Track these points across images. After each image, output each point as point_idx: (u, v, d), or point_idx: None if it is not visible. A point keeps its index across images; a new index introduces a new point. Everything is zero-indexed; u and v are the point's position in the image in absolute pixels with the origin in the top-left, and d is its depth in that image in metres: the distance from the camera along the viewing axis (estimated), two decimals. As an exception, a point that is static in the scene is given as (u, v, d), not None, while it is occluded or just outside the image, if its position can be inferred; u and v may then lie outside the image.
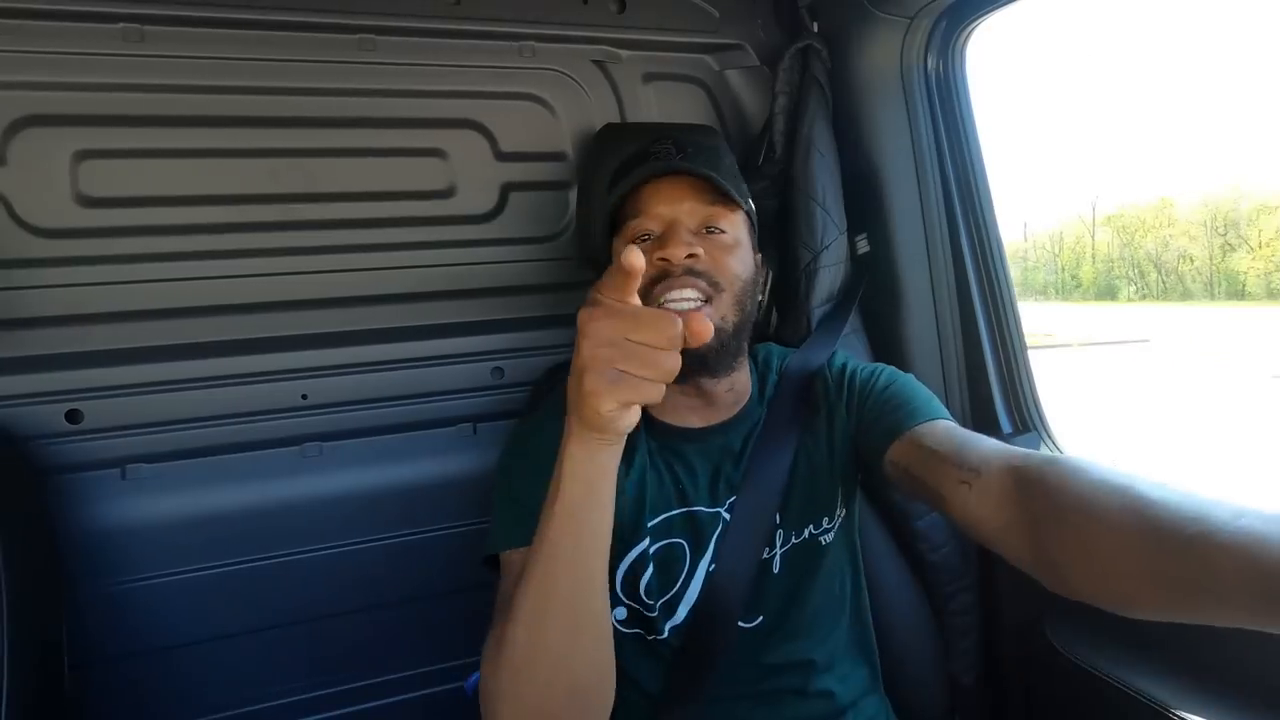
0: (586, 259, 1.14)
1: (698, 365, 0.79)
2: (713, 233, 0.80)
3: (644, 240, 0.80)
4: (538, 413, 0.89)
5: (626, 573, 0.80)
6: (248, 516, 1.05)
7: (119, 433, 0.99)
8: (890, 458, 0.77)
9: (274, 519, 1.06)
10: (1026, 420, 1.13)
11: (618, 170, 0.90)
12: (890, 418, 0.79)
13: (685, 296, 0.76)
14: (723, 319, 0.78)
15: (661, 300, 0.76)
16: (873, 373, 0.87)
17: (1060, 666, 0.98)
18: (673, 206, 0.80)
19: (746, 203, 0.85)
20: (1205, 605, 0.49)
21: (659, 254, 0.77)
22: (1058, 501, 0.58)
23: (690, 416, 0.85)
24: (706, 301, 0.77)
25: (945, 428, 0.75)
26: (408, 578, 1.13)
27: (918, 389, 0.83)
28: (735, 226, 0.82)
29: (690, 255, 0.76)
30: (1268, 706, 0.79)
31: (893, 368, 0.88)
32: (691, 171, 0.79)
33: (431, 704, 1.17)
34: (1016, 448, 0.68)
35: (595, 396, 0.51)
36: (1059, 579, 0.59)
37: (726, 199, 0.81)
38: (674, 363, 0.50)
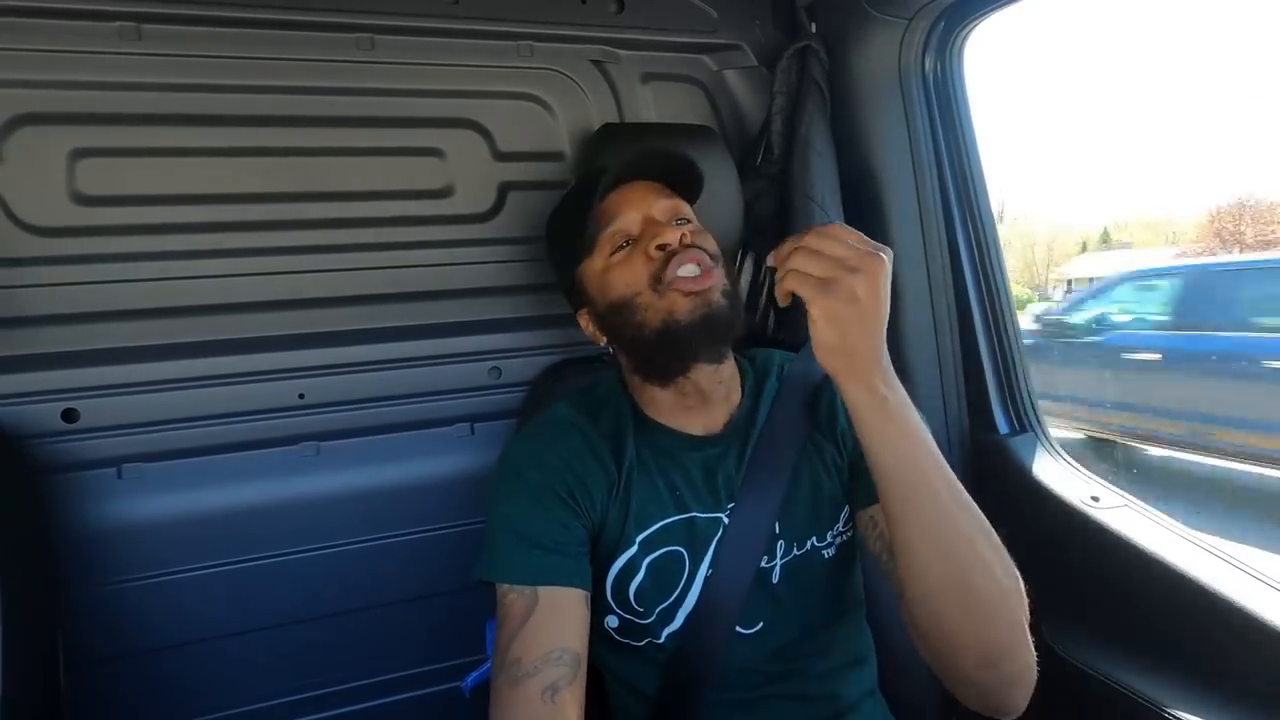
0: None
1: (723, 327, 0.79)
2: (681, 224, 0.82)
3: (623, 248, 0.82)
4: (525, 432, 0.86)
5: (615, 580, 0.79)
6: (244, 516, 1.05)
7: (115, 432, 0.99)
8: (871, 514, 0.79)
9: (271, 518, 1.06)
10: (1024, 421, 1.13)
11: (568, 211, 0.92)
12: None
13: (693, 261, 0.78)
14: (724, 287, 0.80)
15: (676, 273, 0.77)
16: None
17: (1058, 667, 0.98)
18: (642, 203, 0.83)
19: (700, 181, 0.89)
20: None
21: (657, 243, 0.79)
22: None
23: (687, 419, 0.84)
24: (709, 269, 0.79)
25: None
26: (405, 577, 1.13)
27: None
28: (696, 216, 0.87)
29: (683, 235, 0.79)
30: (1262, 706, 0.79)
31: None
32: (661, 150, 0.84)
33: (429, 704, 1.17)
34: None
35: None
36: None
37: (685, 191, 0.87)
38: None
